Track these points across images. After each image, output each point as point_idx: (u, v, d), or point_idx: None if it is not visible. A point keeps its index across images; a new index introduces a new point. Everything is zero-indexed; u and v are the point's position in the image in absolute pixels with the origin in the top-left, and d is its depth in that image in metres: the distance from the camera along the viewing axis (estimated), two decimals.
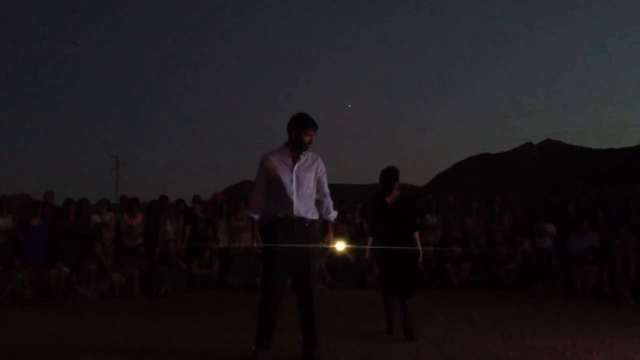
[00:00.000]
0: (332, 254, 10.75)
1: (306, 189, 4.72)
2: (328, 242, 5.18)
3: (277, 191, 4.67)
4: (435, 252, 10.73)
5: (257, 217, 4.80)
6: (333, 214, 5.02)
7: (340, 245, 10.37)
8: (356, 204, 11.96)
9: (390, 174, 6.07)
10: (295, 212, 4.65)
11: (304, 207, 4.70)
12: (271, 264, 4.68)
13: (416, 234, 6.01)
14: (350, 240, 10.59)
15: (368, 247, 6.20)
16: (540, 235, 10.45)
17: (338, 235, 10.91)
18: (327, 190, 4.91)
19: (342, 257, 10.74)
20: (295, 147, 4.72)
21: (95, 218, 10.34)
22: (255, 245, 4.78)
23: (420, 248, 5.97)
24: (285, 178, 4.66)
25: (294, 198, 4.65)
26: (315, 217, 4.81)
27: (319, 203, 4.87)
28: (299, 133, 4.70)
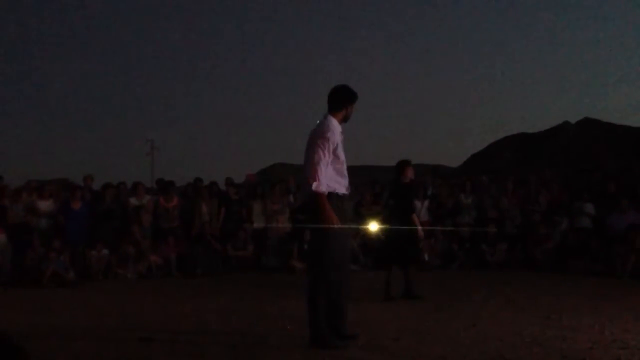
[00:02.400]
0: (366, 234, 10.76)
1: None
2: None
3: (338, 166, 4.51)
4: (470, 232, 10.65)
5: (326, 193, 4.40)
6: None
7: (373, 226, 10.37)
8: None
9: (397, 165, 7.42)
10: (348, 189, 4.63)
11: None
12: (336, 243, 4.46)
13: (413, 215, 7.35)
14: (384, 220, 10.55)
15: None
16: (579, 215, 10.27)
17: (372, 216, 10.93)
18: None
19: (376, 237, 10.73)
20: (344, 120, 4.65)
21: (134, 201, 10.53)
22: (337, 225, 4.38)
23: (418, 227, 7.29)
24: (343, 153, 4.55)
25: (346, 174, 4.60)
26: None
27: None
28: (352, 106, 4.66)
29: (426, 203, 11.17)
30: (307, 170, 4.38)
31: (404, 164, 7.40)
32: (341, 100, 4.64)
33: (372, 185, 12.23)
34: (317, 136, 4.42)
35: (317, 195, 4.34)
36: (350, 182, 4.72)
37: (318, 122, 4.62)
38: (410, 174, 7.39)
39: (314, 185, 4.31)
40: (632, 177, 11.95)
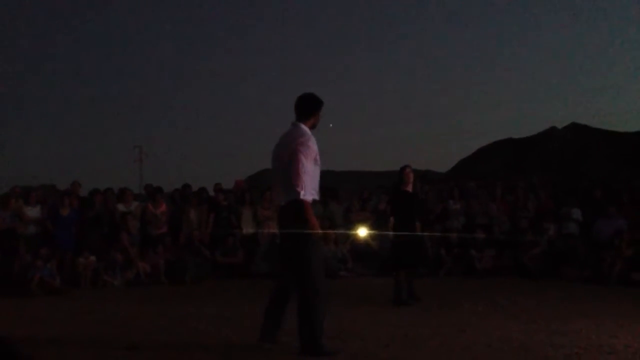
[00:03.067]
0: (355, 240, 10.80)
1: None
2: None
3: (316, 174, 4.51)
4: (458, 238, 10.69)
5: (310, 200, 4.47)
6: None
7: (362, 232, 10.40)
8: (382, 191, 11.89)
9: (400, 170, 7.44)
10: (318, 195, 4.61)
11: None
12: (318, 250, 4.53)
13: (417, 225, 7.41)
14: (373, 226, 10.58)
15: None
16: (566, 221, 10.34)
17: (361, 221, 10.97)
18: None
19: (365, 243, 10.76)
20: (312, 127, 4.63)
21: (121, 207, 10.48)
22: (316, 231, 4.45)
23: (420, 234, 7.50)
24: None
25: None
26: None
27: None
28: (319, 113, 4.67)
29: None
30: (292, 178, 4.33)
31: (401, 170, 7.47)
32: (310, 108, 4.65)
33: (361, 192, 12.25)
34: (299, 144, 4.40)
35: (304, 203, 4.36)
36: (340, 188, 4.74)
37: (290, 130, 4.58)
38: (408, 178, 7.40)
39: (302, 194, 4.33)
40: (619, 182, 12.07)
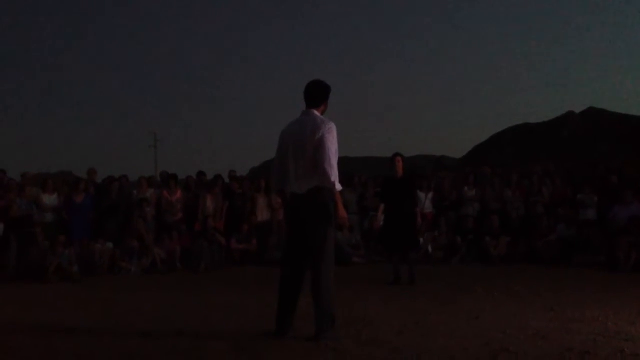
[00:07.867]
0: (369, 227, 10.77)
1: None
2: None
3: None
4: (473, 225, 10.62)
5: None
6: None
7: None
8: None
9: (391, 158, 7.87)
10: None
11: None
12: (334, 237, 4.59)
13: (417, 209, 7.84)
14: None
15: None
16: (583, 207, 10.22)
17: (374, 208, 10.93)
18: None
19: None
20: (322, 114, 4.61)
21: (137, 194, 10.54)
22: (343, 221, 4.60)
23: (419, 220, 7.97)
24: None
25: None
26: None
27: None
28: (328, 101, 4.66)
29: (430, 195, 11.16)
30: (325, 167, 4.29)
31: (391, 158, 7.87)
32: (322, 95, 4.62)
33: (375, 178, 12.21)
34: (327, 132, 4.36)
35: (336, 192, 4.39)
36: (354, 175, 4.73)
37: (307, 118, 4.51)
38: (398, 166, 7.74)
39: (337, 184, 4.35)
40: (636, 167, 11.91)
